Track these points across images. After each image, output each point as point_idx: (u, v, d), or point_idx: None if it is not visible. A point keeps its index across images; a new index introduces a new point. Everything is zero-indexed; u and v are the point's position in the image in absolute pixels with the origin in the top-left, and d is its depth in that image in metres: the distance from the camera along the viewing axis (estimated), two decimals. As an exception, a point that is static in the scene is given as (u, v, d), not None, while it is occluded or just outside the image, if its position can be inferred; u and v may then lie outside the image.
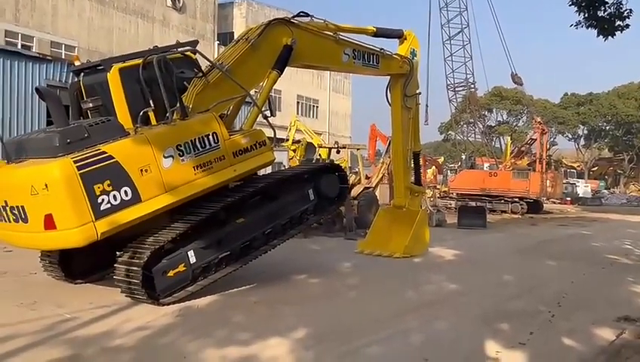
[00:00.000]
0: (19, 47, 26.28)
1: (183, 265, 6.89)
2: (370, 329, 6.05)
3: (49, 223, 6.14)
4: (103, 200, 6.27)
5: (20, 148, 6.94)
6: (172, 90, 7.25)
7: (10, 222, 6.58)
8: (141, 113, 7.16)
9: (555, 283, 9.21)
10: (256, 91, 9.07)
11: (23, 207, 6.32)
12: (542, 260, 11.67)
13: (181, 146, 7.04)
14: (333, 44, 9.91)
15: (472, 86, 32.21)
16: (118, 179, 6.41)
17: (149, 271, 6.57)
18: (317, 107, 49.80)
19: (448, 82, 31.68)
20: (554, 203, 36.14)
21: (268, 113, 8.49)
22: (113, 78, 7.28)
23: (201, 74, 7.74)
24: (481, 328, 6.26)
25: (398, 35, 12.00)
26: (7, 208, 6.51)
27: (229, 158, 7.56)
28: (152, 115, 7.22)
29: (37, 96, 14.66)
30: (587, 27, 8.01)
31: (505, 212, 27.55)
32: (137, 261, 6.48)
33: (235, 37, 9.02)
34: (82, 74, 7.93)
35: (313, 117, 48.89)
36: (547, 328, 6.41)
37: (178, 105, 7.26)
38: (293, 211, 8.34)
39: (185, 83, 7.62)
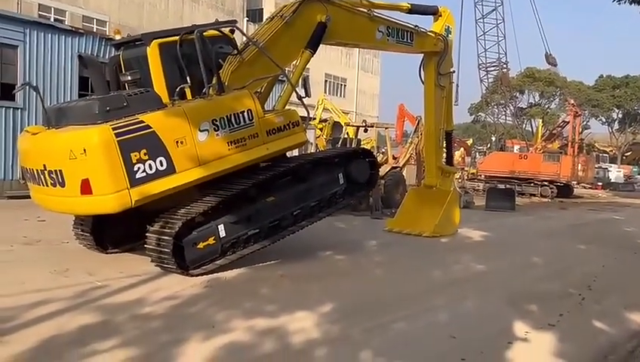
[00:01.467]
0: (51, 20, 26.69)
1: (212, 238, 6.97)
2: (396, 306, 6.05)
3: (85, 188, 6.26)
4: (138, 168, 6.36)
5: (61, 114, 7.05)
6: (209, 67, 7.32)
7: (47, 186, 6.70)
8: (178, 89, 7.23)
9: (586, 266, 9.05)
10: (289, 70, 9.01)
11: (60, 171, 6.43)
12: (571, 243, 11.47)
13: (217, 121, 7.11)
14: (367, 21, 9.79)
15: (505, 66, 31.63)
16: (155, 149, 6.50)
17: (179, 242, 6.66)
18: (345, 86, 49.45)
19: (480, 61, 31.17)
20: (584, 187, 35.42)
21: (302, 93, 8.45)
22: (153, 52, 7.36)
23: (236, 51, 7.75)
24: (509, 308, 6.20)
25: (433, 12, 11.77)
26: (46, 172, 6.63)
27: (263, 136, 7.61)
28: (188, 91, 7.29)
29: (69, 70, 14.95)
30: (630, 3, 7.71)
31: (534, 195, 27.13)
32: (169, 231, 6.58)
33: (265, 13, 8.97)
34: (122, 48, 8.03)
35: (341, 96, 48.61)
36: (577, 311, 6.32)
37: (215, 81, 7.31)
38: (322, 194, 8.37)
39: (221, 61, 7.66)
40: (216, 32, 7.78)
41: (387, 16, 10.26)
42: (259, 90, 8.53)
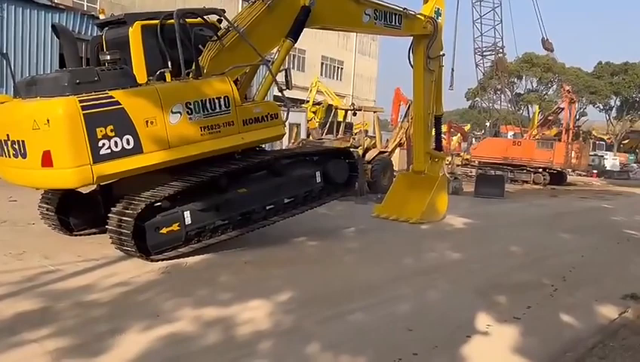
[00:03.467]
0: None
1: (177, 224, 6.77)
2: (359, 295, 5.85)
3: (46, 160, 6.05)
4: (103, 144, 6.15)
5: (30, 86, 6.83)
6: (189, 51, 7.16)
7: (9, 157, 6.53)
8: (158, 72, 7.06)
9: (564, 256, 8.83)
10: (270, 57, 8.66)
11: (23, 141, 6.24)
12: (555, 232, 11.26)
13: (190, 104, 6.92)
14: (353, 4, 9.53)
15: (501, 51, 31.17)
16: (122, 127, 6.29)
17: (141, 224, 6.45)
18: (341, 69, 48.92)
19: (476, 46, 30.74)
20: (579, 175, 35.23)
21: (283, 86, 8.19)
22: (134, 33, 7.19)
23: (215, 37, 7.51)
24: (476, 300, 6.00)
25: None
26: (9, 142, 6.45)
27: (238, 125, 7.45)
28: (168, 75, 7.08)
29: (48, 46, 14.63)
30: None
31: (527, 182, 26.94)
32: (131, 212, 6.40)
33: None
34: (106, 28, 7.81)
35: (337, 79, 48.12)
36: (547, 303, 6.11)
37: (194, 66, 7.12)
38: (297, 191, 8.21)
39: (201, 47, 7.46)
40: (200, 20, 7.57)
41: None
42: (238, 78, 8.27)
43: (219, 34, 7.61)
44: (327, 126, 19.54)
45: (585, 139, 40.51)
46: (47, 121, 5.98)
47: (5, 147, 6.55)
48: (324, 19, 9.02)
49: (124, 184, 7.18)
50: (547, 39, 31.62)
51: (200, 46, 7.45)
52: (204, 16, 7.63)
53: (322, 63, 45.84)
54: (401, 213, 11.13)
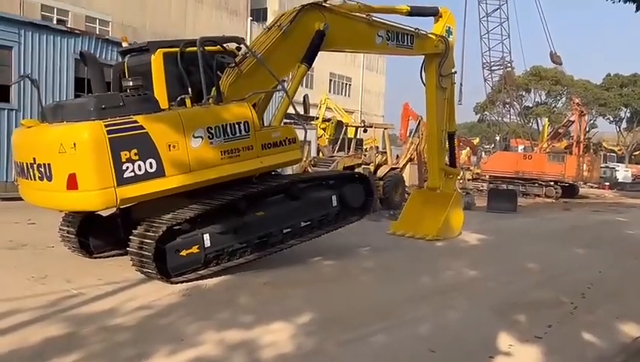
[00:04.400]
0: (54, 21, 26.66)
1: (197, 246, 6.85)
2: (379, 316, 5.86)
3: (72, 183, 6.19)
4: (127, 167, 6.28)
5: (57, 111, 6.99)
6: (210, 78, 7.35)
7: (35, 180, 6.65)
8: (179, 98, 7.22)
9: (581, 272, 8.81)
10: (286, 81, 8.86)
11: (49, 164, 6.38)
12: (569, 248, 11.22)
13: (212, 129, 7.06)
14: (366, 26, 9.67)
15: (509, 65, 31.27)
16: (145, 150, 6.43)
17: (162, 246, 6.53)
18: (350, 85, 49.24)
19: (484, 60, 30.87)
20: (591, 187, 35.04)
21: (301, 110, 8.38)
22: (156, 61, 7.40)
23: (233, 64, 7.69)
24: (495, 319, 6.00)
25: (434, 13, 11.61)
26: (35, 165, 6.59)
27: (257, 149, 7.58)
28: (188, 101, 7.24)
29: (64, 70, 14.86)
30: (625, 1, 7.47)
31: (539, 196, 26.85)
32: (152, 234, 6.50)
33: (269, 13, 8.88)
34: (128, 55, 8.02)
35: (345, 95, 48.40)
36: (567, 321, 6.10)
37: (214, 92, 7.31)
38: (313, 214, 8.30)
39: (219, 73, 7.65)
40: (219, 48, 7.80)
41: (386, 20, 10.10)
42: (256, 103, 8.43)
43: (236, 60, 7.77)
44: (339, 142, 19.63)
45: (596, 151, 40.29)
46: (74, 144, 6.13)
47: (31, 170, 6.69)
48: (338, 42, 9.17)
49: (143, 207, 7.28)
50: (555, 53, 31.73)
51: (219, 72, 7.61)
52: (224, 44, 7.82)
53: (330, 80, 46.19)
54: (417, 230, 11.16)
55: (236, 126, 7.33)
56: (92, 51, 15.07)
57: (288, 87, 8.48)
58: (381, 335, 5.27)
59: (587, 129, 39.50)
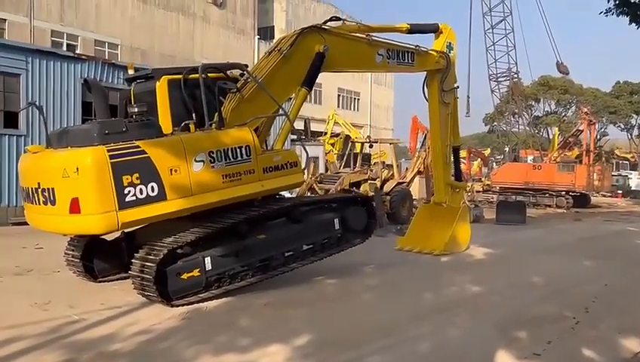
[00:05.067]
0: (64, 46, 27.17)
1: (198, 270, 6.89)
2: (379, 335, 5.85)
3: (74, 207, 6.28)
4: (129, 191, 6.36)
5: (62, 136, 7.13)
6: (212, 103, 7.50)
7: (39, 204, 6.77)
8: (182, 124, 7.36)
9: (587, 285, 8.73)
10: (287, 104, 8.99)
11: (53, 189, 6.50)
12: (578, 260, 11.12)
13: (213, 153, 7.15)
14: (365, 46, 9.76)
15: (515, 76, 31.24)
16: (147, 175, 6.51)
17: (163, 269, 6.59)
18: (358, 100, 49.46)
19: (490, 72, 30.87)
20: (604, 196, 34.72)
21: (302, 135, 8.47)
22: (161, 87, 7.55)
23: (235, 89, 7.82)
24: (496, 336, 5.96)
25: (433, 30, 11.69)
26: (39, 190, 6.71)
27: (259, 173, 7.64)
28: (192, 127, 7.37)
29: (72, 96, 15.10)
30: (618, 15, 7.47)
31: (550, 206, 26.66)
32: (153, 257, 6.55)
33: (275, 31, 9.02)
34: (134, 82, 8.20)
35: (354, 110, 48.61)
36: (568, 337, 6.05)
37: (217, 117, 7.43)
38: (316, 237, 8.33)
39: (222, 98, 7.80)
40: (222, 75, 7.97)
41: (386, 39, 10.19)
42: (258, 127, 8.53)
43: (238, 85, 7.91)
44: (345, 158, 19.70)
45: (608, 160, 39.98)
46: (77, 169, 6.24)
47: (35, 195, 6.82)
48: (338, 63, 9.26)
49: (147, 231, 7.39)
50: (562, 62, 31.61)
51: (221, 98, 7.75)
52: (226, 71, 8.01)
53: (339, 95, 46.44)
54: (425, 245, 11.16)
55: (237, 150, 7.41)
56: (99, 76, 15.34)
57: (290, 110, 8.58)
58: (379, 356, 5.25)
59: (598, 137, 39.25)
